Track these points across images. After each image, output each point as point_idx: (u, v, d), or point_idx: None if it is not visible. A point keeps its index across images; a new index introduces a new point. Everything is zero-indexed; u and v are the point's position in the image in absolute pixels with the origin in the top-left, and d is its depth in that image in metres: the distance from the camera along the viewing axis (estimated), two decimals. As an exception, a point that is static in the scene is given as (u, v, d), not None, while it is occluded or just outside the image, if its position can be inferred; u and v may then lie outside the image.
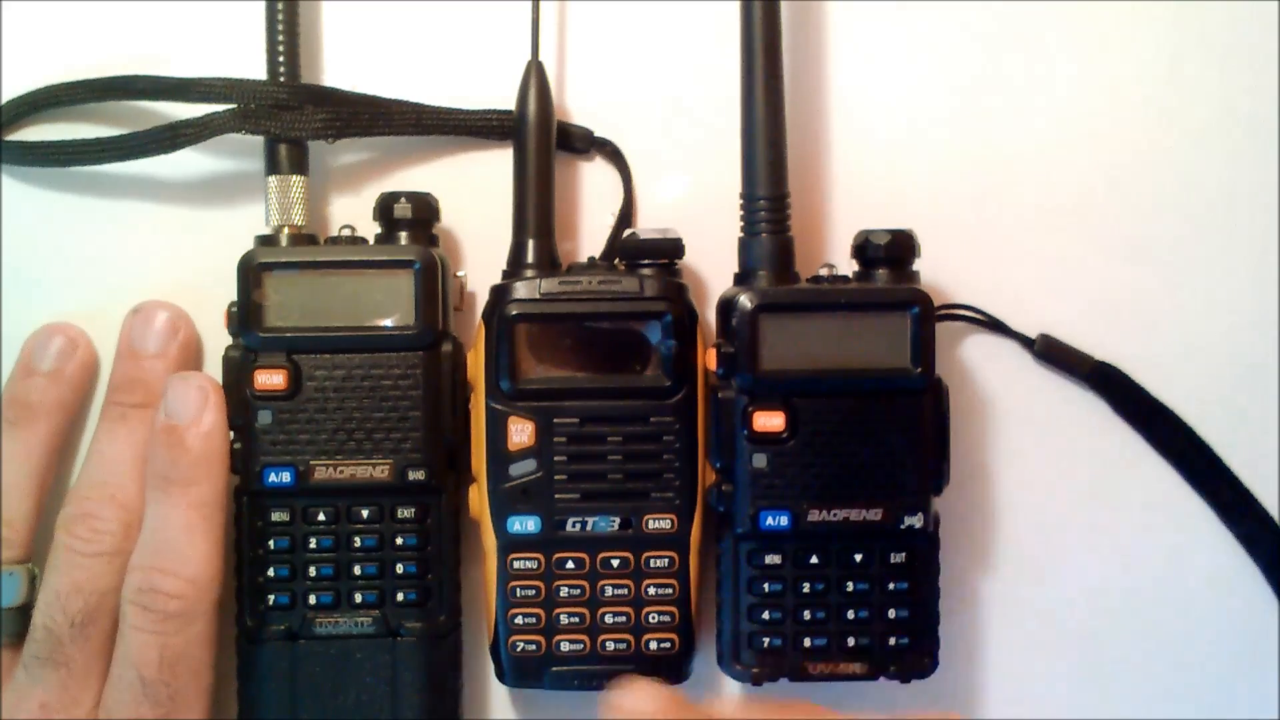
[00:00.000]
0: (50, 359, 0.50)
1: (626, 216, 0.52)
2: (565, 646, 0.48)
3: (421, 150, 0.53)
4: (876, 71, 0.53)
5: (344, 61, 0.52)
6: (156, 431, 0.47)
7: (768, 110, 0.49)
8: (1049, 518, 0.53)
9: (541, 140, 0.50)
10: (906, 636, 0.48)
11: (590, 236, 0.53)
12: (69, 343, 0.51)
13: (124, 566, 0.47)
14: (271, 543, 0.48)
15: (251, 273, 0.48)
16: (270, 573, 0.48)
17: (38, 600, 0.47)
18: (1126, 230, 0.53)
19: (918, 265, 0.49)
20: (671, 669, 0.49)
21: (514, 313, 0.48)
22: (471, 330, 0.50)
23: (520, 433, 0.48)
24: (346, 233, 0.50)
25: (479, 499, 0.49)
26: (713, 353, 0.48)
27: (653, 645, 0.49)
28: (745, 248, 0.50)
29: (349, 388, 0.48)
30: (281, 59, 0.50)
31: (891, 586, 0.48)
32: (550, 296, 0.48)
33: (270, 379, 0.48)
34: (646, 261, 0.49)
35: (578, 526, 0.48)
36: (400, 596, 0.48)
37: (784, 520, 0.48)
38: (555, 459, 0.48)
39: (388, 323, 0.48)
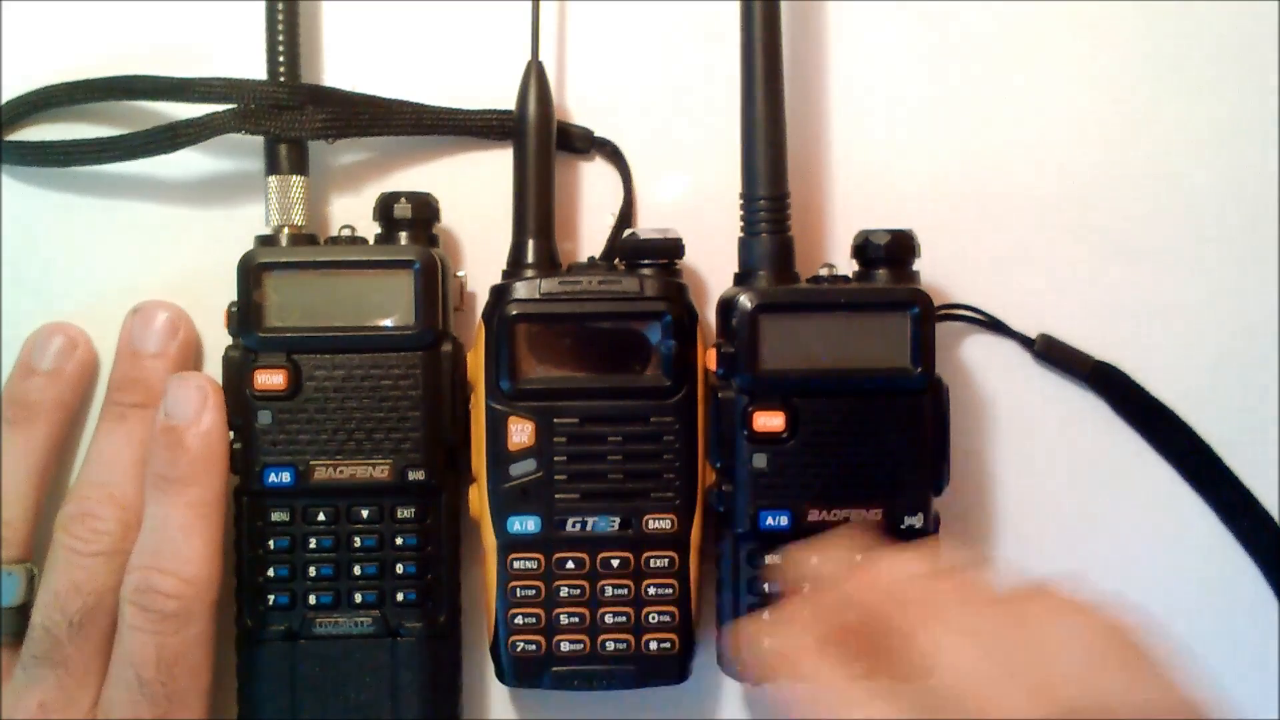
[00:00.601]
0: (50, 358, 0.50)
1: (626, 216, 0.52)
2: (565, 646, 0.48)
3: (421, 150, 0.53)
4: (876, 71, 0.53)
5: (344, 61, 0.52)
6: (156, 431, 0.47)
7: (768, 110, 0.49)
8: (1048, 518, 0.53)
9: (541, 140, 0.50)
10: None
11: (590, 236, 0.53)
12: (69, 342, 0.51)
13: (123, 566, 0.47)
14: (271, 543, 0.48)
15: (251, 273, 0.48)
16: (270, 573, 0.48)
17: (36, 600, 0.47)
18: (1127, 230, 0.53)
19: (918, 265, 0.49)
20: (671, 669, 0.49)
21: (514, 313, 0.48)
22: (471, 330, 0.50)
23: (520, 433, 0.48)
24: (346, 233, 0.50)
25: (479, 499, 0.49)
26: (713, 353, 0.48)
27: (653, 645, 0.48)
28: (745, 247, 0.50)
29: (349, 388, 0.48)
30: (281, 59, 0.50)
31: None
32: (550, 296, 0.48)
33: (270, 379, 0.48)
34: (646, 261, 0.49)
35: (578, 526, 0.48)
36: (400, 596, 0.48)
37: (784, 520, 0.48)
38: (555, 459, 0.48)
39: (388, 323, 0.48)
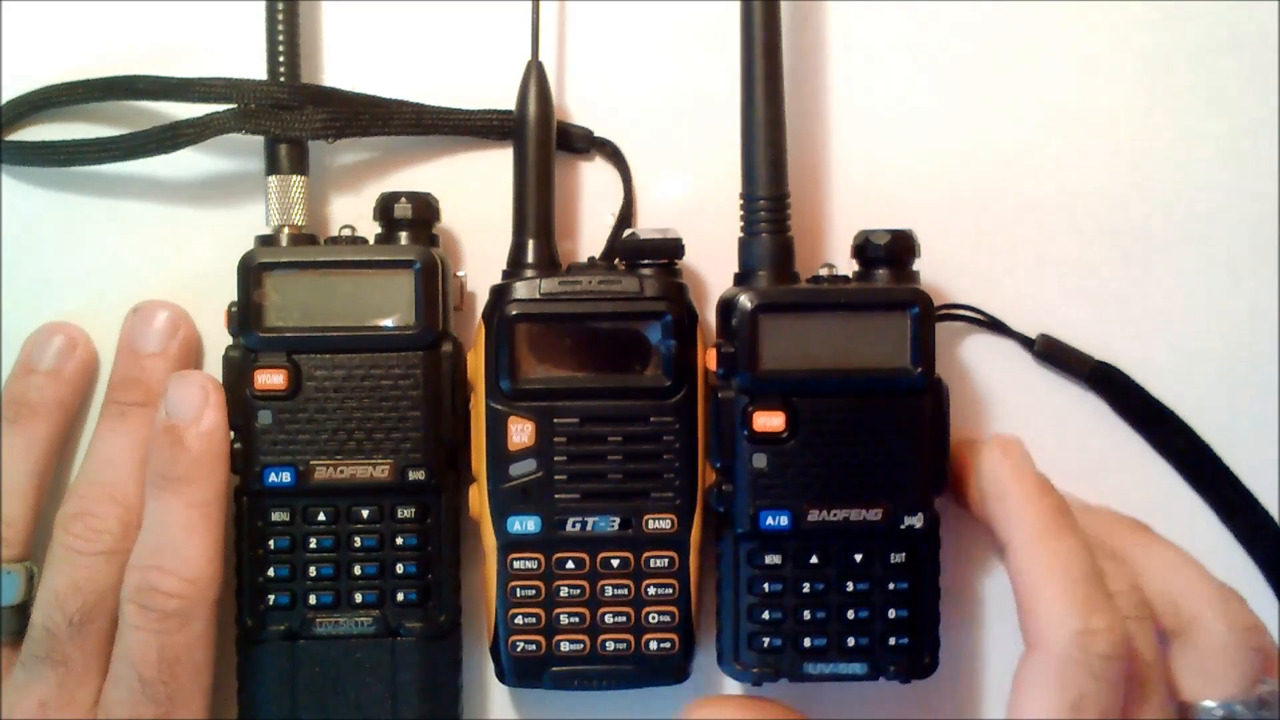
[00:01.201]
0: (50, 358, 0.50)
1: (626, 216, 0.52)
2: (565, 646, 0.48)
3: (421, 150, 0.53)
4: (876, 71, 0.53)
5: (344, 61, 0.52)
6: (157, 430, 0.47)
7: (768, 110, 0.49)
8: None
9: (541, 140, 0.50)
10: (906, 637, 0.48)
11: (590, 236, 0.53)
12: (69, 342, 0.51)
13: (123, 565, 0.47)
14: (271, 543, 0.48)
15: (251, 273, 0.48)
16: (270, 573, 0.48)
17: (36, 599, 0.47)
18: (1127, 231, 0.53)
19: (917, 265, 0.49)
20: (671, 669, 0.49)
21: (514, 313, 0.48)
22: (471, 330, 0.50)
23: (520, 433, 0.48)
24: (346, 233, 0.50)
25: (479, 499, 0.49)
26: (713, 353, 0.48)
27: (653, 645, 0.48)
28: (745, 248, 0.50)
29: (349, 388, 0.48)
30: (281, 59, 0.50)
31: (891, 586, 0.48)
32: (550, 296, 0.48)
33: (270, 379, 0.48)
34: (646, 261, 0.49)
35: (578, 526, 0.48)
36: (400, 596, 0.48)
37: (784, 520, 0.48)
38: (555, 459, 0.48)
39: (388, 323, 0.48)
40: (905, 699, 0.51)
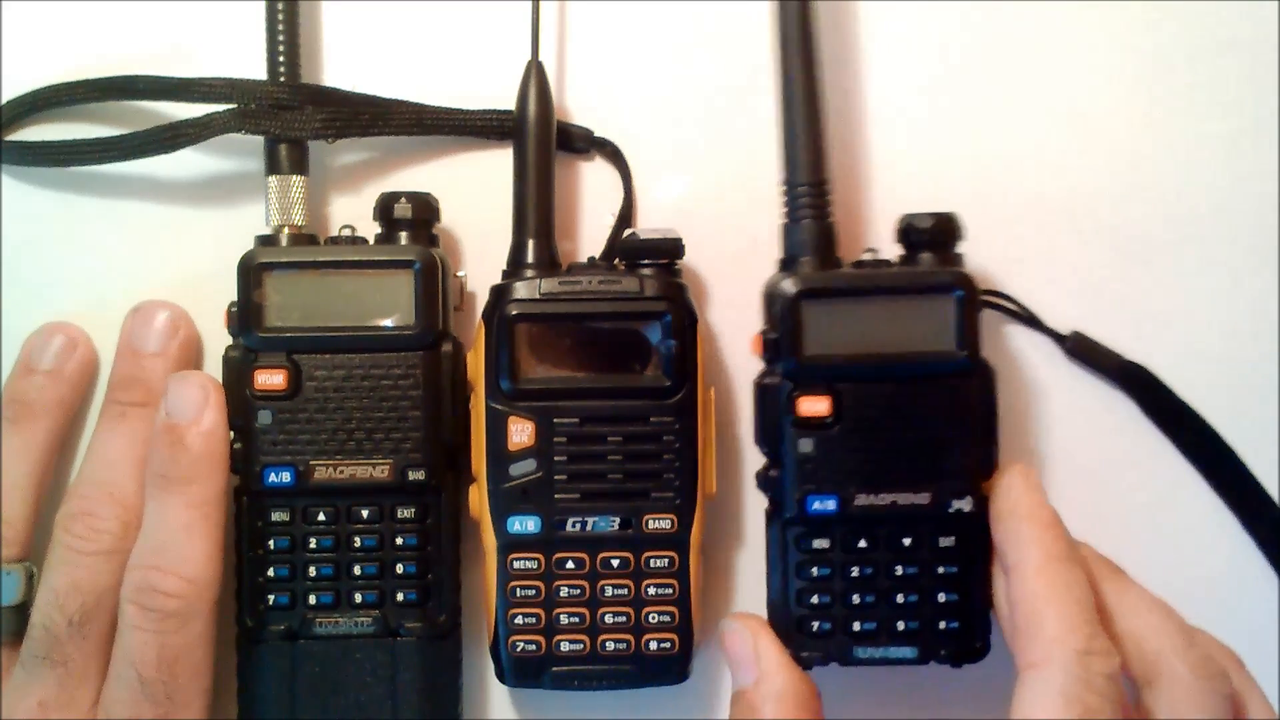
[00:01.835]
0: (50, 358, 0.50)
1: (626, 216, 0.52)
2: (565, 646, 0.48)
3: (421, 150, 0.53)
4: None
5: (344, 61, 0.52)
6: (157, 430, 0.47)
7: (807, 95, 0.49)
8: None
9: (541, 140, 0.50)
10: (957, 621, 0.48)
11: (590, 236, 0.53)
12: (69, 342, 0.51)
13: (123, 565, 0.47)
14: (271, 543, 0.48)
15: (251, 273, 0.48)
16: (270, 573, 0.48)
17: (36, 599, 0.47)
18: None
19: (961, 249, 0.49)
20: (671, 669, 0.49)
21: (514, 313, 0.48)
22: (471, 330, 0.50)
23: (520, 433, 0.48)
24: (346, 233, 0.50)
25: (479, 499, 0.49)
26: (757, 338, 0.48)
27: (653, 645, 0.48)
28: (788, 234, 0.49)
29: (349, 388, 0.48)
30: (281, 59, 0.50)
31: (941, 570, 0.48)
32: (550, 296, 0.48)
33: (270, 379, 0.48)
34: (646, 261, 0.49)
35: (578, 526, 0.48)
36: (400, 596, 0.48)
37: (831, 505, 0.48)
38: (555, 459, 0.48)
39: (388, 323, 0.48)
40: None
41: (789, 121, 0.49)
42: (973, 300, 0.47)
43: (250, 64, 0.51)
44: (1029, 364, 0.53)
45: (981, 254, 0.50)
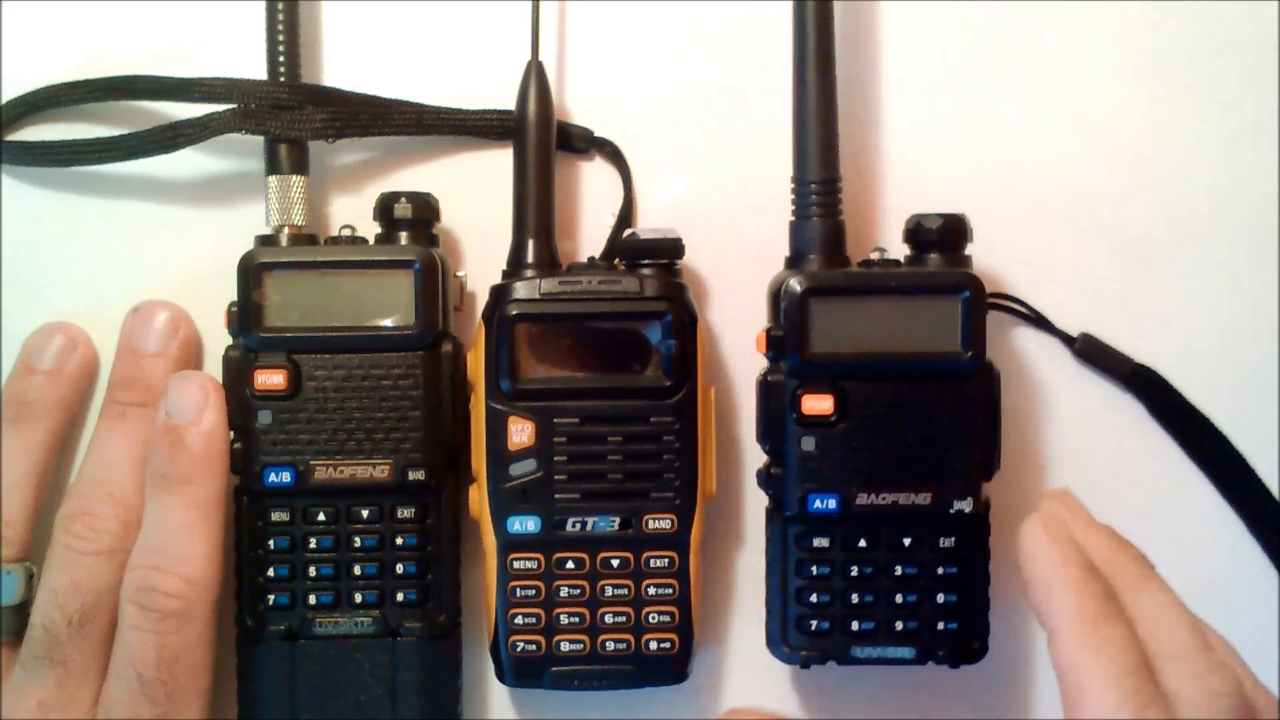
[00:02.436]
0: (50, 358, 0.50)
1: (626, 216, 0.52)
2: (565, 646, 0.48)
3: (421, 150, 0.53)
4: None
5: (344, 61, 0.52)
6: (157, 430, 0.47)
7: (820, 93, 0.48)
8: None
9: (541, 140, 0.50)
10: (956, 621, 0.48)
11: (590, 236, 0.53)
12: (69, 342, 0.51)
13: (123, 565, 0.47)
14: (271, 543, 0.48)
15: (251, 273, 0.48)
16: (270, 573, 0.48)
17: (36, 599, 0.47)
18: (1126, 230, 0.53)
19: (969, 250, 0.49)
20: (671, 669, 0.49)
21: (514, 313, 0.48)
22: (471, 330, 0.50)
23: (520, 433, 0.48)
24: (346, 233, 0.50)
25: (479, 499, 0.49)
26: (762, 335, 0.48)
27: (653, 645, 0.48)
28: (796, 231, 0.49)
29: (349, 388, 0.48)
30: (281, 59, 0.50)
31: (940, 571, 0.48)
32: (550, 296, 0.48)
33: (270, 379, 0.48)
34: (646, 261, 0.49)
35: (578, 526, 0.48)
36: (400, 596, 0.48)
37: (832, 503, 0.48)
38: (555, 459, 0.48)
39: (388, 323, 0.48)
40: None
41: (801, 118, 0.49)
42: (980, 302, 0.47)
43: (250, 64, 0.51)
44: (1036, 365, 0.53)
45: (982, 254, 0.50)
